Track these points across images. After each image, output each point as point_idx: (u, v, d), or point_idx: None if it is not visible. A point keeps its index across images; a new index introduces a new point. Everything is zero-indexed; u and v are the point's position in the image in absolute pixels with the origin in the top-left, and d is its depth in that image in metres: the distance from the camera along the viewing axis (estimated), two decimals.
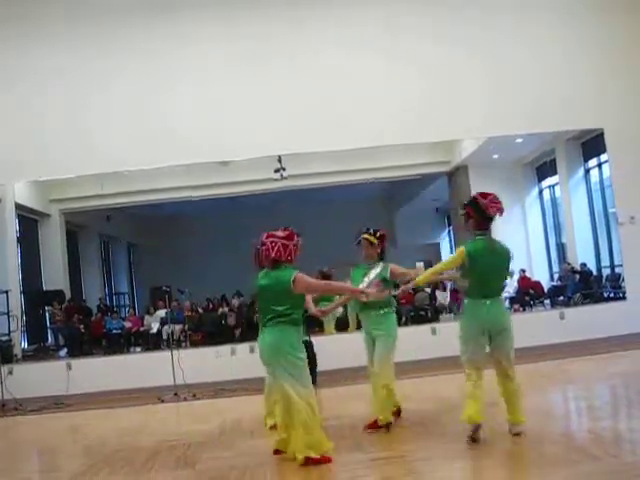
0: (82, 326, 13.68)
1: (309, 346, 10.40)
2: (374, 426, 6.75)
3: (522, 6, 12.21)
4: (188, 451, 6.66)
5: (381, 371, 6.86)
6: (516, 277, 13.97)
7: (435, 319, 13.26)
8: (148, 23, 11.94)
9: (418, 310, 13.87)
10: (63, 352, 13.24)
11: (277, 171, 12.88)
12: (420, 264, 16.52)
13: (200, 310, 14.68)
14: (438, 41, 12.09)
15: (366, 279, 6.64)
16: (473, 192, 7.55)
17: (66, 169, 11.83)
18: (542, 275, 14.37)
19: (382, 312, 6.98)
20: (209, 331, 13.45)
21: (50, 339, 13.99)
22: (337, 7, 12.06)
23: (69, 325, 13.58)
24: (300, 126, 11.75)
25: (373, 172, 14.43)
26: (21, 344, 12.48)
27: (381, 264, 6.94)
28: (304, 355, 6.02)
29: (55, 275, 13.93)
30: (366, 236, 7.03)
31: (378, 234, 7.06)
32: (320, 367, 10.31)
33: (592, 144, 13.40)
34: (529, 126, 12.18)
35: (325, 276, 12.46)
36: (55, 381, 11.10)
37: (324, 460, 5.72)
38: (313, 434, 5.77)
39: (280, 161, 12.72)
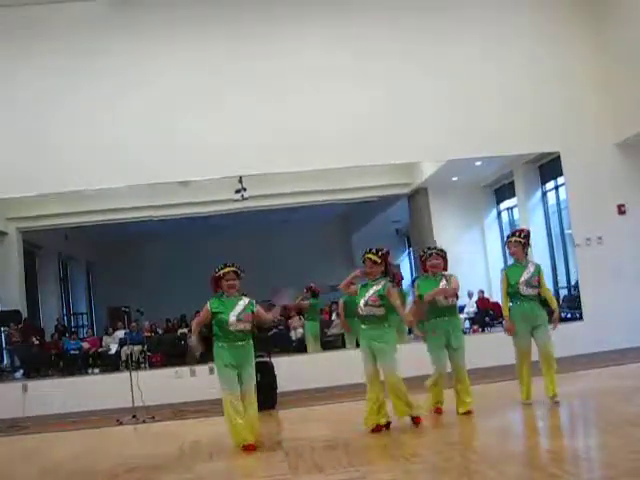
0: (38, 345, 13.49)
1: (269, 368, 10.39)
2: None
3: (486, 33, 12.42)
4: (146, 474, 6.58)
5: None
6: (475, 298, 14.10)
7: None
8: (111, 41, 11.89)
9: None
10: (19, 373, 13.03)
11: (238, 191, 12.87)
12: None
13: (160, 331, 14.56)
14: (402, 66, 12.26)
15: (367, 294, 7.46)
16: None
17: (25, 187, 11.70)
18: (501, 296, 14.50)
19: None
20: (168, 352, 13.33)
21: (5, 360, 13.76)
22: (304, 30, 12.19)
23: (26, 346, 13.37)
24: (261, 147, 11.77)
25: (334, 193, 14.48)
26: None
27: (383, 281, 7.53)
28: (221, 362, 7.21)
29: (11, 295, 13.72)
30: (370, 255, 7.58)
31: (380, 253, 7.61)
32: (280, 388, 10.30)
33: (549, 167, 13.63)
34: (488, 149, 12.36)
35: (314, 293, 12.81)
36: (10, 403, 10.91)
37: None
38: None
39: (241, 182, 12.73)
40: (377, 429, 7.37)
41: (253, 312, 7.41)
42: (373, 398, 7.43)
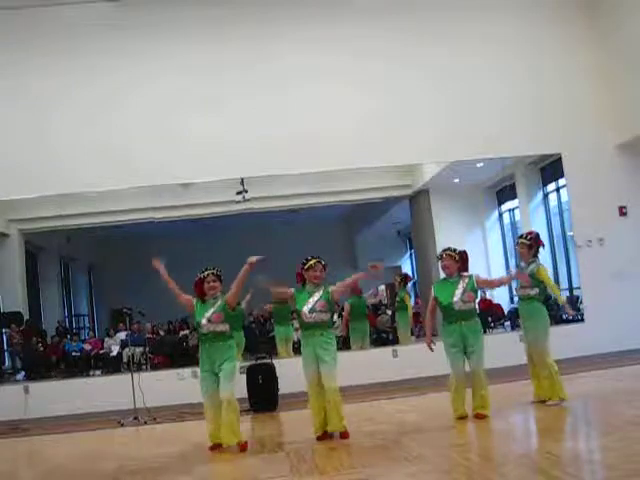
0: (41, 348, 13.48)
1: (270, 369, 10.41)
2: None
3: (486, 34, 12.41)
4: (148, 476, 6.58)
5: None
6: (476, 299, 14.08)
7: (396, 341, 13.31)
8: (111, 42, 11.89)
9: (380, 332, 13.92)
10: (20, 375, 13.01)
11: (239, 193, 12.87)
12: (382, 287, 16.70)
13: (162, 332, 14.54)
14: (402, 66, 12.26)
15: (310, 301, 7.54)
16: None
17: (26, 189, 11.70)
18: (502, 297, 14.51)
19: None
20: (170, 353, 13.32)
21: (7, 362, 13.74)
22: (301, 32, 12.19)
23: (27, 348, 13.36)
24: (263, 149, 11.77)
25: (335, 195, 14.46)
26: None
27: (323, 287, 7.64)
28: (200, 366, 7.48)
29: (13, 296, 13.69)
30: (323, 263, 7.72)
31: (324, 263, 7.76)
32: (281, 390, 10.31)
33: (550, 169, 13.63)
34: (489, 151, 12.36)
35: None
36: (12, 405, 10.91)
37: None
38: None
39: (242, 183, 12.72)
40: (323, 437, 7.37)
41: (224, 310, 7.49)
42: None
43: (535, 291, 8.24)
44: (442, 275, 8.12)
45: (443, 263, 7.91)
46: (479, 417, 7.61)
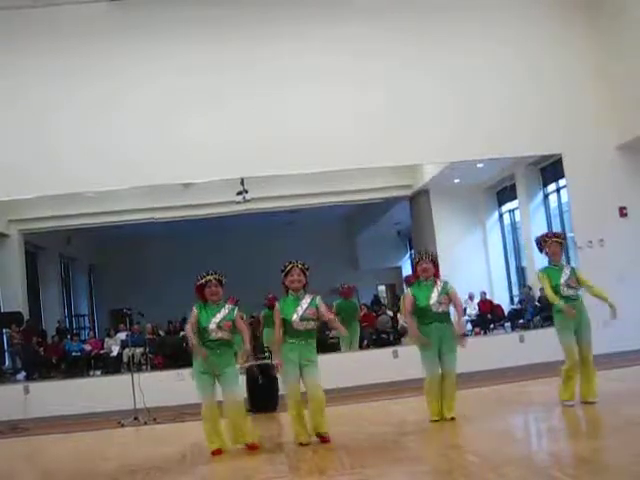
0: (41, 349, 13.49)
1: (270, 370, 10.39)
2: None
3: (486, 34, 12.40)
4: (148, 476, 6.57)
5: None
6: (476, 300, 14.10)
7: (397, 342, 13.30)
8: (111, 42, 11.88)
9: (380, 333, 13.92)
10: (21, 375, 13.02)
11: (239, 193, 12.87)
12: (382, 287, 16.71)
13: (162, 333, 14.55)
14: (403, 67, 12.24)
15: (299, 308, 7.32)
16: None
17: (26, 190, 11.70)
18: (502, 298, 14.51)
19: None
20: (170, 354, 13.31)
21: (7, 362, 13.75)
22: (301, 32, 12.18)
23: (27, 348, 13.37)
24: (263, 149, 11.75)
25: (335, 195, 14.48)
26: None
27: (308, 295, 7.46)
28: (197, 368, 7.27)
29: (13, 297, 13.70)
30: (301, 266, 7.48)
31: (307, 265, 7.54)
32: (281, 390, 10.29)
33: (551, 170, 13.64)
34: (489, 151, 12.35)
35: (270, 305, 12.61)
36: (12, 405, 10.89)
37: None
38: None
39: (243, 184, 12.72)
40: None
41: (233, 320, 7.39)
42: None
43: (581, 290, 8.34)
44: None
45: (423, 266, 7.94)
46: (451, 420, 7.66)
